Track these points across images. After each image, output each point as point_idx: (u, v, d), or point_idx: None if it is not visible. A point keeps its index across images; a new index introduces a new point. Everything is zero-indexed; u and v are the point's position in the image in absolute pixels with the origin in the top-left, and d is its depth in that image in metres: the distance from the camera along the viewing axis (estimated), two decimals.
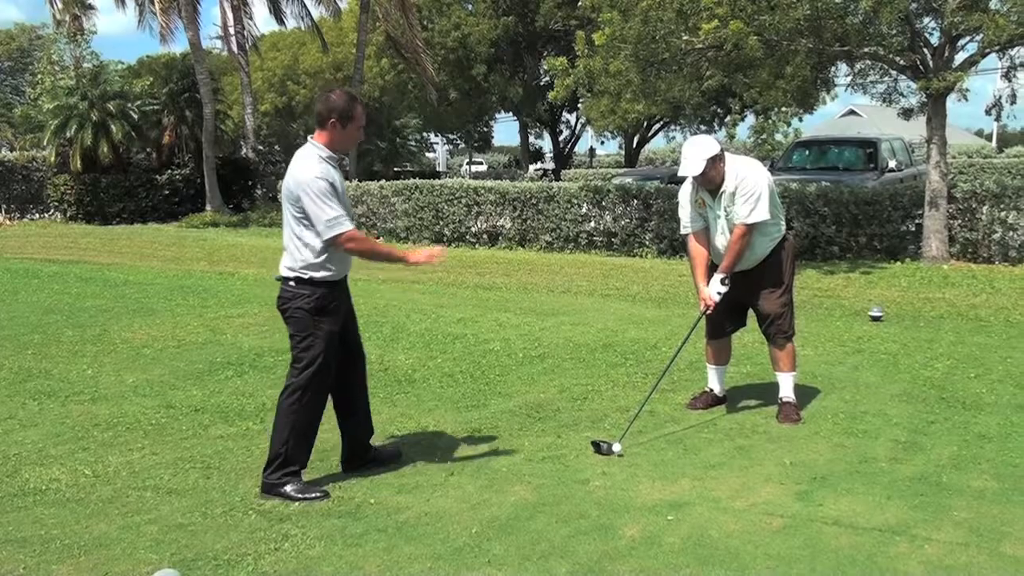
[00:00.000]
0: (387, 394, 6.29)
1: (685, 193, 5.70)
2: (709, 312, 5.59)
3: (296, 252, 4.44)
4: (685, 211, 5.70)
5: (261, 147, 28.80)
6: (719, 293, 5.50)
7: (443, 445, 5.15)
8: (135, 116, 23.82)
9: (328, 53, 31.34)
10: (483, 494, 4.45)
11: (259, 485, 4.51)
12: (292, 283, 4.46)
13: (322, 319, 4.46)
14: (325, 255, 4.43)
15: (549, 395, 6.30)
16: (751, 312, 5.84)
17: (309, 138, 4.55)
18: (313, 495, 4.42)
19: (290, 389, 4.49)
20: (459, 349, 7.76)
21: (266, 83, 34.80)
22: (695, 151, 5.37)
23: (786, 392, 5.72)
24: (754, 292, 5.66)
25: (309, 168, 4.37)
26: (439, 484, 4.61)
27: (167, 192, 24.26)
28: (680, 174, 5.48)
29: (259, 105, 31.93)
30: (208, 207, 23.41)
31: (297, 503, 4.35)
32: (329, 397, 4.70)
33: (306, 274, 4.43)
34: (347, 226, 4.37)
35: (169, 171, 24.46)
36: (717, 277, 5.51)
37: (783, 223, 5.75)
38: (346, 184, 4.66)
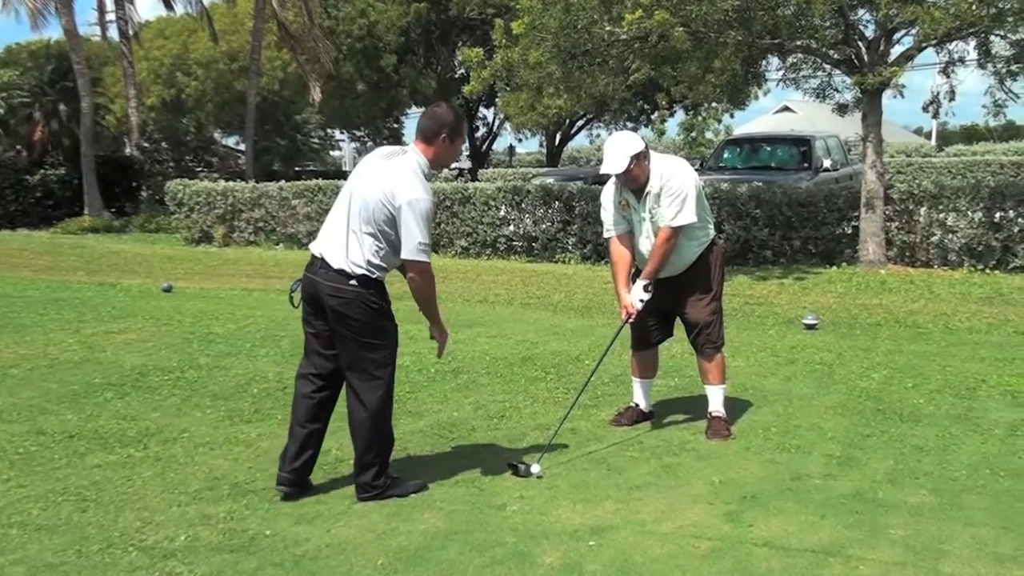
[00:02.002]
0: (285, 415, 6.20)
1: (608, 194, 5.75)
2: (631, 321, 5.66)
3: (364, 249, 4.59)
4: (608, 213, 5.75)
5: (147, 144, 28.21)
6: (641, 300, 5.56)
7: (346, 470, 5.09)
8: (1, 110, 23.14)
9: (220, 43, 30.86)
10: (390, 523, 4.43)
11: (356, 496, 4.76)
12: (355, 281, 4.59)
13: (386, 320, 4.76)
14: (387, 261, 4.66)
15: (463, 414, 6.30)
16: (678, 321, 5.91)
17: (412, 145, 4.73)
18: (417, 484, 4.87)
19: (374, 396, 4.75)
20: None
21: (152, 74, 34.06)
22: (618, 148, 5.42)
23: (715, 406, 5.81)
24: (681, 300, 5.73)
25: (419, 186, 4.54)
26: (342, 513, 4.57)
27: (39, 194, 23.67)
28: (602, 172, 5.53)
29: (144, 98, 31.25)
30: (86, 211, 22.89)
31: (409, 497, 4.76)
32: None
33: (373, 274, 4.63)
34: (429, 258, 4.63)
35: (42, 171, 23.87)
36: (640, 284, 5.57)
37: (711, 227, 5.83)
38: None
